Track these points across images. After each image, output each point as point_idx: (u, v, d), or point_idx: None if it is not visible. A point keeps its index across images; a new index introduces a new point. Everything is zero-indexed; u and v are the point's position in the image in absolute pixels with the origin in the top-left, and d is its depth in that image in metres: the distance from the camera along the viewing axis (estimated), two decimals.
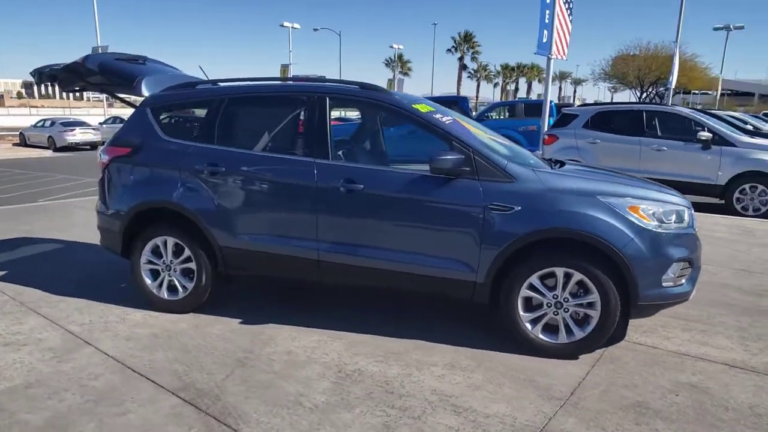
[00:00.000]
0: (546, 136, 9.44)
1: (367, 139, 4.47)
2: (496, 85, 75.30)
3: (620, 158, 8.37)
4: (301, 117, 3.76)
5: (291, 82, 3.97)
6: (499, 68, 73.11)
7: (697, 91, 50.74)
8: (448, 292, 3.51)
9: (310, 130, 3.69)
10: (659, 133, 8.37)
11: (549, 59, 11.49)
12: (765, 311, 4.12)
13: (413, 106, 3.64)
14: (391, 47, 58.35)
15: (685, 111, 8.80)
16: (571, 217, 3.16)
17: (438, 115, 3.65)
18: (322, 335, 3.63)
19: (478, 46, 62.95)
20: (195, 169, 3.83)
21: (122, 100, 4.80)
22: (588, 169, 3.96)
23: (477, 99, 63.36)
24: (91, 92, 5.10)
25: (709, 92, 51.14)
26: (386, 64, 62.75)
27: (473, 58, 63.62)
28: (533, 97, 68.11)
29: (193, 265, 3.91)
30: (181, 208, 3.83)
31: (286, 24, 40.24)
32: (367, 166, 3.63)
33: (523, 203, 3.23)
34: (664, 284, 3.22)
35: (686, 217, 3.36)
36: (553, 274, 3.27)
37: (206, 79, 4.43)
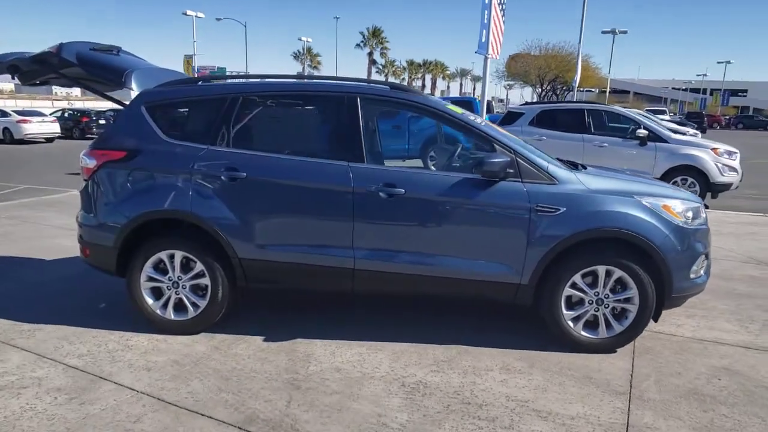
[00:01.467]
0: None
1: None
2: (402, 80, 76.73)
3: (565, 154, 8.85)
4: (330, 118, 3.53)
5: (317, 81, 3.71)
6: (405, 64, 74.57)
7: (581, 89, 55.09)
8: (490, 295, 3.50)
9: (341, 132, 3.48)
10: (599, 130, 8.99)
11: (486, 59, 11.86)
12: (743, 294, 4.59)
13: (448, 107, 3.57)
14: (300, 40, 57.30)
15: (622, 110, 9.55)
16: (615, 217, 3.27)
17: (471, 117, 3.61)
18: (360, 347, 3.46)
19: (387, 41, 63.82)
20: (210, 175, 3.46)
21: (106, 96, 4.22)
22: (611, 170, 4.11)
23: None
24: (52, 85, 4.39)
25: (592, 90, 55.80)
26: (295, 57, 61.54)
27: (382, 54, 64.40)
28: (437, 93, 70.46)
29: (206, 281, 3.54)
30: (194, 217, 3.45)
31: (189, 12, 37.85)
32: (407, 170, 3.49)
33: (567, 204, 3.29)
34: (691, 276, 3.45)
35: (702, 213, 3.62)
36: (594, 272, 3.38)
37: (195, 74, 4.03)
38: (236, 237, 3.46)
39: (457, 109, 3.60)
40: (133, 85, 3.73)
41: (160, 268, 3.60)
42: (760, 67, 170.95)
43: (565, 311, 3.41)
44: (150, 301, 3.61)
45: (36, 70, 3.92)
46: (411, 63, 73.99)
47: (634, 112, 9.99)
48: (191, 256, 3.53)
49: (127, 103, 3.81)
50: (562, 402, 2.85)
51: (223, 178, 3.44)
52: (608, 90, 38.41)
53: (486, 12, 11.30)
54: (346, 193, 3.37)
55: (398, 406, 2.78)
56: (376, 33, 61.79)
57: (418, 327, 3.77)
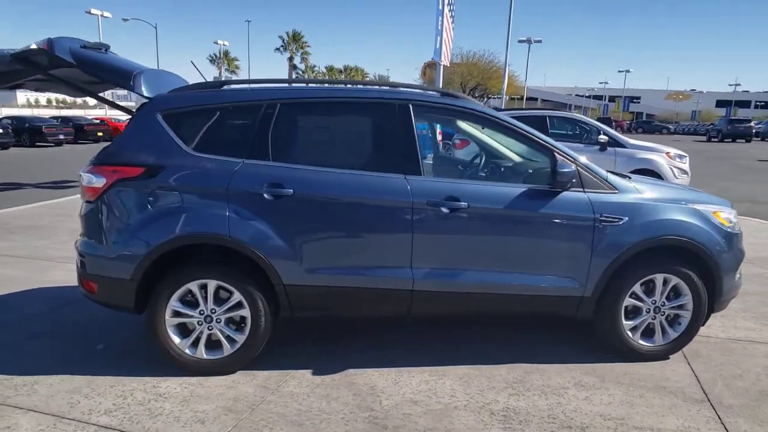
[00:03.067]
0: (458, 141, 9.78)
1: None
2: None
3: None
4: (381, 127, 3.25)
5: (362, 87, 3.41)
6: (324, 69, 74.05)
7: (493, 96, 57.55)
8: (552, 310, 3.39)
9: (394, 142, 3.22)
10: (561, 136, 9.29)
11: (439, 65, 12.00)
12: (744, 291, 4.83)
13: (501, 114, 3.43)
14: (216, 43, 55.10)
15: (582, 117, 9.95)
16: (676, 226, 3.29)
17: (525, 126, 3.50)
18: (421, 374, 3.21)
19: (308, 46, 62.86)
20: (250, 192, 3.06)
21: (105, 101, 3.62)
22: (649, 179, 4.14)
23: None
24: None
25: (502, 97, 58.44)
26: (211, 61, 58.94)
27: (303, 59, 63.30)
28: None
29: (244, 312, 3.13)
30: (234, 242, 3.03)
31: (93, 11, 34.91)
32: (469, 182, 3.30)
33: (629, 213, 3.26)
34: (735, 279, 3.55)
35: (735, 218, 3.75)
36: (651, 281, 3.37)
37: (204, 78, 3.60)
38: (282, 262, 3.08)
39: (509, 117, 3.47)
40: (144, 90, 3.24)
41: (187, 300, 3.13)
42: (650, 76, 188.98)
43: (624, 321, 3.38)
44: (177, 339, 3.13)
45: (17, 71, 3.29)
46: (331, 69, 73.64)
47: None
48: (227, 286, 3.10)
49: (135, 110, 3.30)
50: (655, 416, 2.79)
51: (266, 196, 3.05)
52: (525, 97, 40.40)
53: (440, 18, 11.43)
54: (405, 209, 3.12)
55: None
56: (296, 37, 60.67)
57: (464, 345, 3.59)
